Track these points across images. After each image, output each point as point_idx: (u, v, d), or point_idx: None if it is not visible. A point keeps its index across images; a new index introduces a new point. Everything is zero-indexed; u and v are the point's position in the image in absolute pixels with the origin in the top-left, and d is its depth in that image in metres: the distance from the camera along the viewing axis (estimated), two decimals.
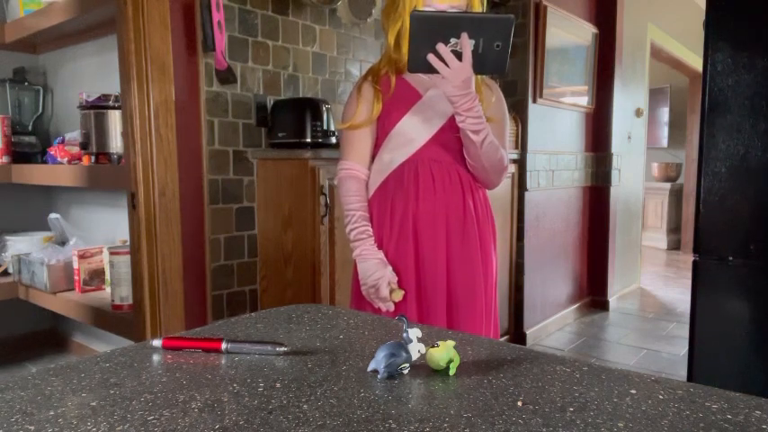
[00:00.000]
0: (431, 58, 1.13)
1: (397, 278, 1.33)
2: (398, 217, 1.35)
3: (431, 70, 1.15)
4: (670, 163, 6.66)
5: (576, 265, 3.76)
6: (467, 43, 1.11)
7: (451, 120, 1.30)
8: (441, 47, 1.12)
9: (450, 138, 1.34)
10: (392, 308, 1.33)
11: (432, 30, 1.11)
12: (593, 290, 3.93)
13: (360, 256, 1.34)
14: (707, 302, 1.80)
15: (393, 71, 1.38)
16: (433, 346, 0.62)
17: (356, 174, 1.39)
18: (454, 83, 1.16)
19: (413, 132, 1.35)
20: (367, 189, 1.42)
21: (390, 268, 1.33)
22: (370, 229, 1.36)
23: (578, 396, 0.56)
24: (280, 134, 2.10)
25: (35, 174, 2.42)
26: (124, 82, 1.83)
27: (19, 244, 2.60)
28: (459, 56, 1.13)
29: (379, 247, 1.36)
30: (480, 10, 1.33)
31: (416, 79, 1.38)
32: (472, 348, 0.71)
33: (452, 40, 1.11)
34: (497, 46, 1.12)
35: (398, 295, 1.32)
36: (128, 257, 1.97)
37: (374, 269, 1.32)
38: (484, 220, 1.40)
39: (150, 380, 0.60)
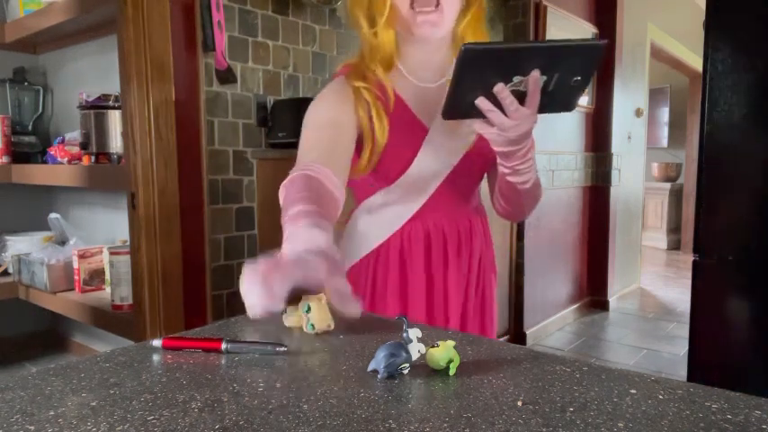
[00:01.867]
0: (480, 103, 0.80)
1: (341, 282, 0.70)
2: (408, 283, 1.08)
3: (474, 115, 0.83)
4: (670, 163, 6.66)
5: (576, 265, 3.76)
6: (537, 83, 0.78)
7: (465, 159, 1.04)
8: (500, 88, 0.78)
9: (462, 178, 1.07)
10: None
11: (490, 66, 0.78)
12: (593, 290, 3.93)
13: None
14: (707, 302, 1.80)
15: (382, 72, 1.01)
16: (433, 346, 0.62)
17: (310, 173, 0.87)
18: (511, 135, 0.83)
19: (426, 175, 1.03)
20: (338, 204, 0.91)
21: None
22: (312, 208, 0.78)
23: (578, 396, 0.56)
24: (280, 134, 2.10)
25: (35, 174, 2.42)
26: (124, 82, 1.83)
27: (19, 244, 2.59)
28: (520, 96, 0.80)
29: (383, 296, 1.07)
30: None
31: (411, 91, 1.02)
32: (472, 348, 0.71)
33: (516, 78, 0.79)
34: (576, 81, 0.81)
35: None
36: (128, 257, 1.97)
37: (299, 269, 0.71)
38: (486, 264, 1.16)
39: (150, 380, 0.60)
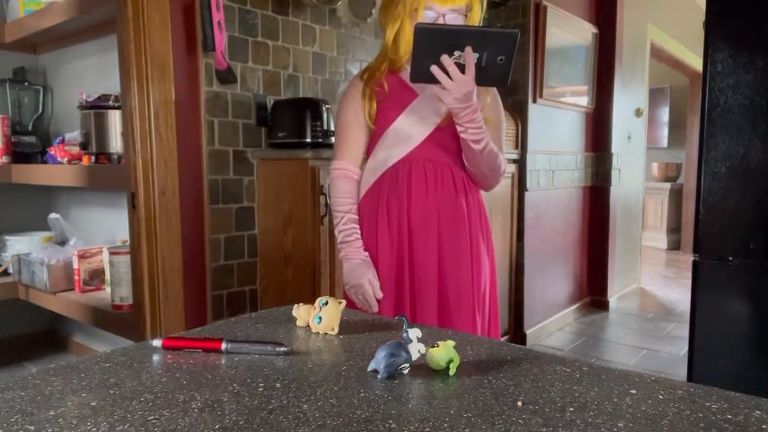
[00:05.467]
0: (434, 69, 1.13)
1: (378, 282, 1.34)
2: (394, 216, 1.35)
3: (433, 81, 1.15)
4: (670, 163, 6.66)
5: (576, 265, 3.76)
6: (470, 57, 1.11)
7: (448, 118, 1.31)
8: (445, 59, 1.12)
9: (446, 136, 1.34)
10: (375, 309, 1.34)
11: (436, 42, 1.11)
12: (593, 290, 3.93)
13: (345, 257, 1.36)
14: (707, 302, 1.80)
15: (389, 70, 1.37)
16: (433, 346, 0.62)
17: (349, 174, 1.39)
18: (456, 95, 1.17)
19: (409, 131, 1.35)
20: (359, 187, 1.42)
21: (373, 270, 1.34)
22: (358, 232, 1.37)
23: (578, 396, 0.56)
24: (280, 134, 2.10)
25: (35, 174, 2.42)
26: (124, 82, 1.83)
27: (19, 244, 2.59)
28: (462, 68, 1.13)
29: (373, 244, 1.37)
30: (480, 13, 1.32)
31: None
32: (472, 348, 0.71)
33: (456, 53, 1.12)
34: (501, 60, 1.12)
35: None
36: (128, 257, 1.97)
37: (357, 270, 1.33)
38: (476, 221, 1.40)
39: (150, 380, 0.60)
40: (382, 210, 1.37)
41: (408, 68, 1.31)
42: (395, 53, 1.34)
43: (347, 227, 1.36)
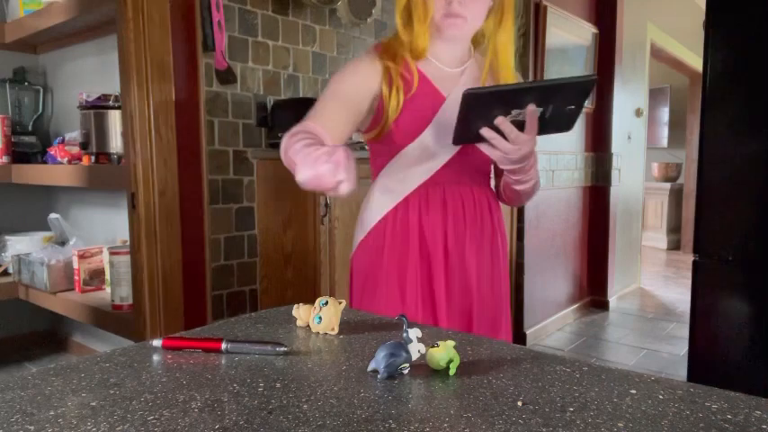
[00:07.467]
0: (485, 132, 0.93)
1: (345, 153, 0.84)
2: (426, 246, 1.14)
3: (481, 140, 0.95)
4: (670, 163, 6.66)
5: (576, 265, 3.76)
6: (534, 115, 0.91)
7: None
8: (500, 120, 0.92)
9: (475, 151, 1.09)
10: (342, 176, 0.83)
11: (489, 105, 0.91)
12: (593, 290, 3.93)
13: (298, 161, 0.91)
14: (707, 302, 1.80)
15: (410, 57, 1.11)
16: (433, 346, 0.62)
17: (312, 128, 1.03)
18: (514, 158, 0.96)
19: (437, 145, 1.10)
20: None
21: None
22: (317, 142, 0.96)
23: (578, 396, 0.56)
24: (280, 134, 2.08)
25: (35, 174, 2.42)
26: (124, 82, 1.83)
27: (19, 244, 2.59)
28: (520, 125, 0.93)
29: (402, 274, 1.14)
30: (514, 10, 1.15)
31: (436, 73, 1.12)
32: (472, 348, 0.71)
33: (514, 111, 0.91)
34: (570, 109, 0.94)
35: None
36: (128, 257, 1.97)
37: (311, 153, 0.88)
38: (501, 244, 1.24)
39: (150, 380, 0.60)
40: (413, 239, 1.14)
41: (429, 58, 1.12)
42: (408, 33, 1.09)
43: (301, 142, 0.96)
